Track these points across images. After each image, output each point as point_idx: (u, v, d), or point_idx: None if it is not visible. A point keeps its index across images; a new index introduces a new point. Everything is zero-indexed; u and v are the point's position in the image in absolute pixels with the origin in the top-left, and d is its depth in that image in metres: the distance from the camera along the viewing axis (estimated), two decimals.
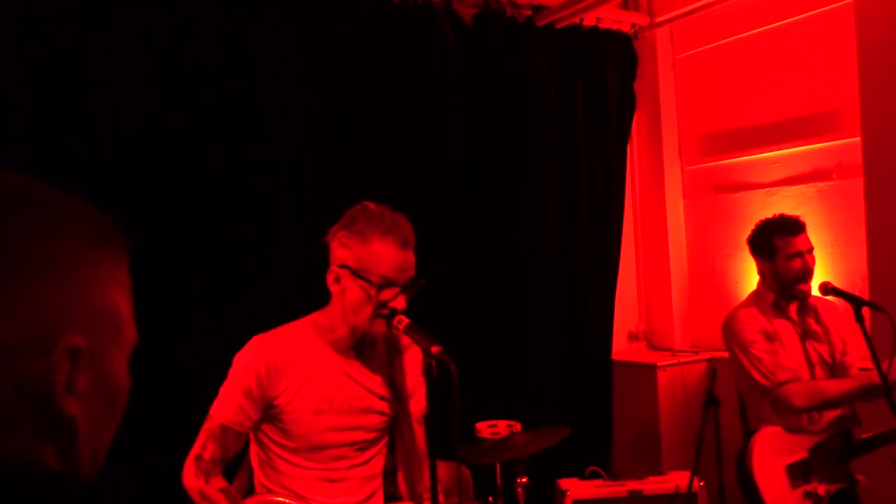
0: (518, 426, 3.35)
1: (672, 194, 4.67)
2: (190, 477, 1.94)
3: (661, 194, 4.67)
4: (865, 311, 2.45)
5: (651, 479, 3.52)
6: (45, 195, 0.66)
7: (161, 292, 2.96)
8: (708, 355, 4.28)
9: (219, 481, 1.94)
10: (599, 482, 3.55)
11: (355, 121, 3.65)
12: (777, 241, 2.83)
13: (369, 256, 1.90)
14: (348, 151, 3.60)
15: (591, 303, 4.42)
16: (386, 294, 1.90)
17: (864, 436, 2.75)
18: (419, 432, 2.14)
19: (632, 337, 4.72)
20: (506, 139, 4.14)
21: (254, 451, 2.09)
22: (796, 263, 2.80)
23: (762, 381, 2.79)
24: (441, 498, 2.02)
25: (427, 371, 1.75)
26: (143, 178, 3.08)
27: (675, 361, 4.30)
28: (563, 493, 3.43)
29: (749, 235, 2.98)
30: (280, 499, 2.00)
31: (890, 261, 3.44)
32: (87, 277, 0.66)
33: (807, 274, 2.80)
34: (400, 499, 2.15)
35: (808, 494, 2.69)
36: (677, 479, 3.41)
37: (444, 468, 1.89)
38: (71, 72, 2.92)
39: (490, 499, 3.13)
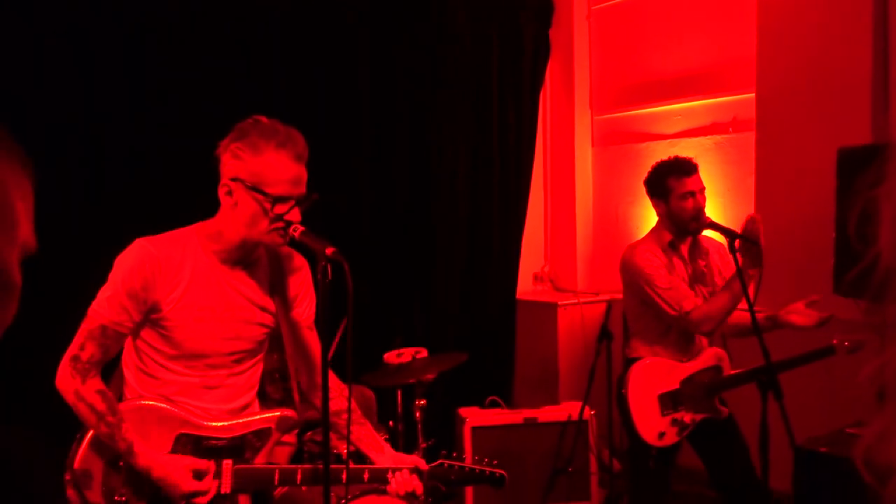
0: (424, 352, 3.46)
1: (581, 142, 4.83)
2: (66, 378, 1.88)
3: (571, 142, 4.83)
4: (738, 243, 2.63)
5: (546, 408, 3.72)
6: None
7: (39, 194, 2.90)
8: (607, 297, 4.47)
9: (96, 382, 1.90)
10: (498, 410, 3.73)
11: (262, 51, 3.62)
12: (670, 182, 2.95)
13: (264, 169, 1.85)
14: (252, 81, 3.55)
15: (498, 245, 4.56)
16: (281, 207, 1.88)
17: (731, 372, 2.97)
18: (311, 339, 2.15)
19: (537, 278, 4.90)
20: (420, 80, 4.18)
21: (128, 360, 2.04)
22: (688, 203, 2.92)
23: (670, 311, 2.91)
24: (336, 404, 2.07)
25: (322, 272, 1.74)
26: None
27: (576, 301, 4.51)
28: (462, 420, 3.59)
29: (645, 178, 3.09)
30: (153, 402, 1.98)
31: (774, 209, 3.68)
32: None
33: (698, 212, 2.93)
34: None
35: (675, 422, 2.91)
36: (570, 409, 3.61)
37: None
38: None
39: (391, 423, 3.24)
